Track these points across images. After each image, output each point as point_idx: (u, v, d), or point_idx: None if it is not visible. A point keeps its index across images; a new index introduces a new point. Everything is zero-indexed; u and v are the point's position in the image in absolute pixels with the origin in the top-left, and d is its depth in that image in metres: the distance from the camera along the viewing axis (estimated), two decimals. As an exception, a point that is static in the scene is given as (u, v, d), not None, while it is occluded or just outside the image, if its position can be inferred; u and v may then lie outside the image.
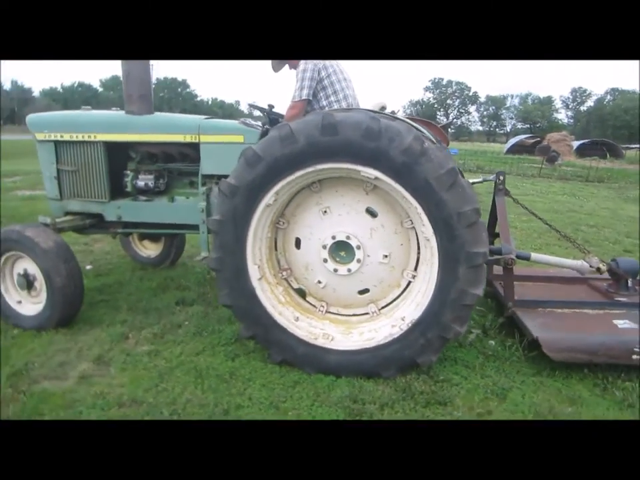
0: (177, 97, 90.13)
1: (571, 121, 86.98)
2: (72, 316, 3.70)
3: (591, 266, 3.64)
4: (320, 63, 3.52)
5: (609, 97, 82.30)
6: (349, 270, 3.01)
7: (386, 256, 3.00)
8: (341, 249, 3.04)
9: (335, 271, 3.03)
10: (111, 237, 5.47)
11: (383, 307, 3.16)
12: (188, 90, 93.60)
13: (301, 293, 3.29)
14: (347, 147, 2.62)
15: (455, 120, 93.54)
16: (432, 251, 2.76)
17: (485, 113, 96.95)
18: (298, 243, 3.14)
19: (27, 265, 3.63)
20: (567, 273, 4.26)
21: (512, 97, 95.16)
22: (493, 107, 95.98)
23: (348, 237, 2.96)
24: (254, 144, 3.49)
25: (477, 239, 2.68)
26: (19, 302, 3.73)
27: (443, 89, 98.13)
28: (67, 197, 3.98)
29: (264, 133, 3.59)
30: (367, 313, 3.19)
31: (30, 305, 3.72)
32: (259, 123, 3.84)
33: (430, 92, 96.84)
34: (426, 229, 2.72)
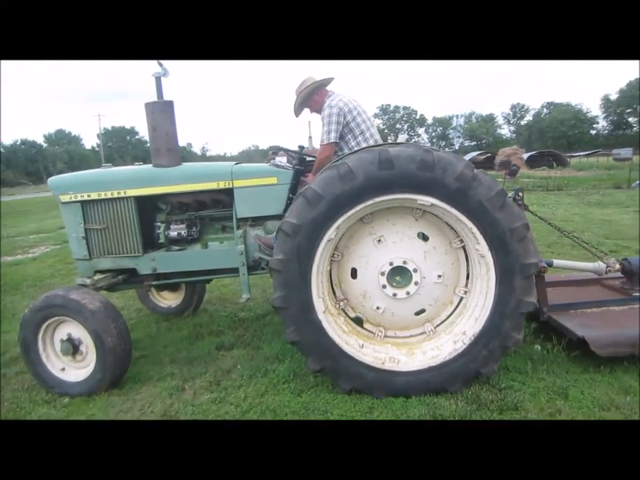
0: (126, 146, 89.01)
1: (514, 135, 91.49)
2: (122, 376, 3.66)
3: (608, 267, 3.94)
4: (345, 107, 3.75)
5: (545, 110, 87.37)
6: (408, 293, 3.18)
7: (440, 276, 3.20)
8: (396, 274, 3.21)
9: (394, 295, 3.19)
10: (117, 293, 5.37)
11: (438, 325, 3.33)
12: (137, 137, 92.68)
13: (357, 321, 3.42)
14: (404, 178, 2.84)
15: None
16: (487, 267, 2.98)
17: (433, 134, 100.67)
18: (353, 273, 3.29)
19: (70, 329, 3.58)
20: (578, 276, 4.58)
21: (457, 116, 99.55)
22: (440, 128, 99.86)
23: (405, 262, 3.15)
24: (287, 184, 3.73)
25: (528, 251, 2.93)
26: (63, 369, 3.64)
27: (391, 114, 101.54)
28: (96, 256, 3.97)
29: (296, 173, 3.79)
30: (423, 332, 3.35)
31: (75, 371, 3.65)
32: (287, 164, 4.01)
33: (379, 118, 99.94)
34: (481, 247, 2.94)
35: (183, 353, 4.18)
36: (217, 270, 4.01)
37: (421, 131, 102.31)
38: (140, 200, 3.90)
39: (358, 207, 2.93)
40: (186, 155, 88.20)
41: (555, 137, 75.51)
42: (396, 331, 3.39)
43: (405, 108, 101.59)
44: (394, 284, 3.22)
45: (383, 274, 3.18)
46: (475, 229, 2.90)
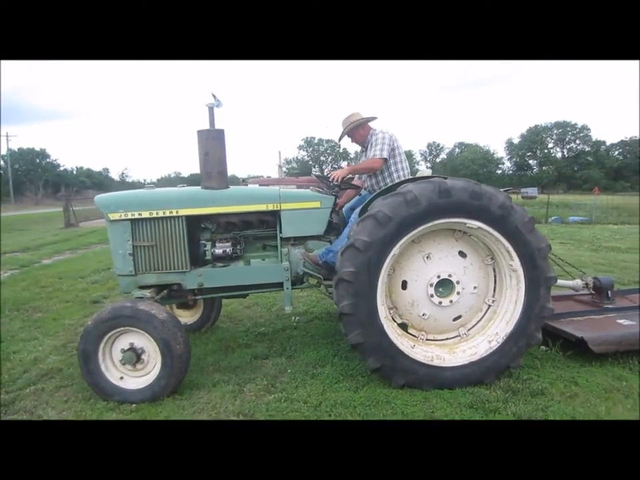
0: (35, 169, 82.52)
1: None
2: (181, 382, 3.88)
3: (586, 283, 4.86)
4: (393, 136, 4.40)
5: (457, 149, 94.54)
6: (451, 301, 3.82)
7: (475, 287, 3.88)
8: (439, 286, 3.83)
9: (440, 303, 3.80)
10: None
11: (470, 329, 3.98)
12: (48, 160, 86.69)
13: (402, 327, 3.97)
14: (459, 205, 3.51)
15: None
16: (518, 279, 3.71)
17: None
18: (404, 285, 3.87)
19: (132, 339, 3.76)
20: (554, 293, 5.49)
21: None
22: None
23: (450, 275, 3.79)
24: (328, 208, 4.25)
25: (549, 266, 3.71)
26: (121, 378, 3.79)
27: (315, 146, 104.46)
28: (141, 272, 4.14)
29: (335, 199, 4.35)
30: (457, 335, 3.98)
31: (133, 379, 3.81)
32: (324, 190, 4.53)
33: (303, 150, 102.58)
34: (514, 263, 3.67)
35: (224, 363, 4.44)
36: (258, 285, 4.37)
37: (344, 164, 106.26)
38: (189, 219, 4.18)
39: (420, 228, 3.54)
40: (102, 180, 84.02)
41: (468, 174, 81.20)
42: (435, 335, 3.99)
43: (328, 141, 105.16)
44: (437, 294, 3.83)
45: (431, 285, 3.79)
46: (510, 248, 3.62)
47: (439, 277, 3.79)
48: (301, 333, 5.33)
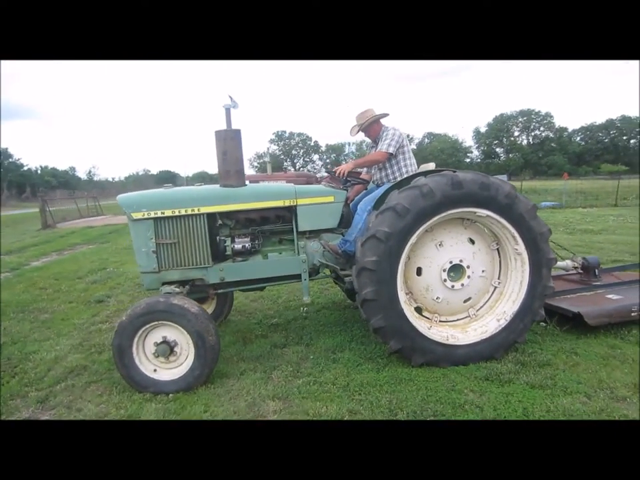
0: (-5, 169, 79.30)
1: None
2: (212, 372, 4.06)
3: (575, 264, 5.28)
4: (403, 134, 4.69)
5: (426, 140, 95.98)
6: (462, 285, 4.15)
7: (484, 270, 4.23)
8: (451, 271, 4.15)
9: (452, 287, 4.13)
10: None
11: (478, 309, 4.33)
12: (11, 160, 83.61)
13: (417, 311, 4.28)
14: (470, 196, 3.83)
15: (301, 169, 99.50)
16: (522, 262, 4.08)
17: (327, 160, 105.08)
18: (419, 271, 4.17)
19: (165, 333, 3.93)
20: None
21: (349, 144, 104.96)
22: (334, 155, 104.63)
23: (461, 260, 4.12)
24: (341, 202, 4.50)
25: (550, 249, 4.08)
26: (155, 370, 3.95)
27: (287, 140, 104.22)
28: (165, 268, 4.27)
29: (346, 194, 4.62)
30: (467, 316, 4.32)
31: (166, 371, 3.97)
32: (336, 185, 4.79)
33: (275, 144, 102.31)
34: (519, 247, 4.03)
35: (246, 353, 4.66)
36: (277, 277, 4.60)
37: (315, 157, 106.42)
38: (210, 216, 4.35)
39: (435, 218, 3.85)
40: (69, 179, 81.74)
41: (438, 165, 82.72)
42: (447, 317, 4.32)
43: (299, 134, 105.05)
44: (450, 279, 4.16)
45: (444, 270, 4.11)
46: (516, 233, 3.99)
47: (451, 262, 4.11)
48: (313, 322, 5.58)
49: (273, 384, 3.97)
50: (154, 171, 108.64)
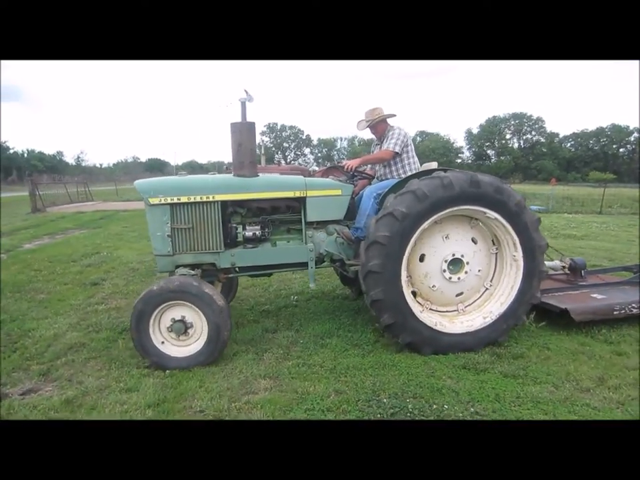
0: (-24, 158, 76.97)
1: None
2: None
3: (564, 265, 5.51)
4: (408, 134, 4.89)
5: (418, 138, 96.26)
6: (459, 278, 4.38)
7: (480, 270, 4.46)
8: (451, 264, 4.37)
9: (449, 278, 4.35)
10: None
11: (467, 306, 4.55)
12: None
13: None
14: (484, 196, 4.07)
15: (292, 162, 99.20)
16: (517, 268, 4.32)
17: (319, 154, 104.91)
18: (422, 258, 4.37)
19: (185, 313, 4.06)
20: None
21: (341, 139, 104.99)
22: (325, 149, 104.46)
23: (462, 255, 4.35)
24: (348, 195, 4.69)
25: (543, 261, 4.36)
26: (162, 342, 4.08)
27: (278, 132, 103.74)
28: (179, 252, 4.38)
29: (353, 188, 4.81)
30: (455, 310, 4.55)
31: (173, 347, 4.11)
32: (343, 178, 4.93)
33: (266, 136, 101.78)
34: (517, 254, 4.28)
35: (239, 336, 4.77)
36: (284, 264, 4.73)
37: (307, 151, 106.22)
38: (224, 204, 4.45)
39: (449, 209, 4.07)
40: (56, 164, 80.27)
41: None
42: (438, 306, 4.53)
43: (291, 127, 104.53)
44: (449, 270, 4.37)
45: (445, 261, 4.33)
46: (517, 241, 4.23)
47: (453, 255, 4.33)
48: (302, 310, 5.75)
49: (264, 364, 4.13)
50: (143, 159, 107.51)
